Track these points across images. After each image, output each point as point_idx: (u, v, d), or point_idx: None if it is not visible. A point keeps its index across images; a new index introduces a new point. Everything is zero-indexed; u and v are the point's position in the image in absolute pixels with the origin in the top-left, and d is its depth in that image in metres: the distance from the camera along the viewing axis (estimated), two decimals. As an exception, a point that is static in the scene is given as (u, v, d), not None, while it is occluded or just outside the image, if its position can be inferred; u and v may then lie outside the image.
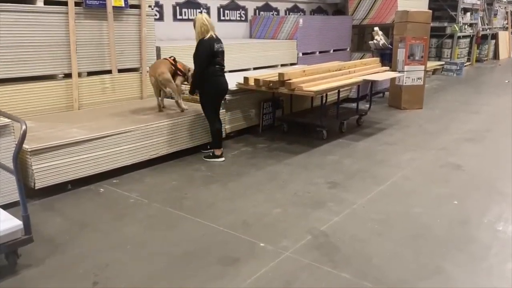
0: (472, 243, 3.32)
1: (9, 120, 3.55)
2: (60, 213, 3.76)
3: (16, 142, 2.96)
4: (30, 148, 3.83)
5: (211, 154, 5.09)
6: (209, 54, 4.74)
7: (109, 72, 5.69)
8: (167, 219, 3.68)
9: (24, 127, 2.76)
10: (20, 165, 3.39)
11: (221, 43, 4.90)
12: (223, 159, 5.05)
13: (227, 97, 5.67)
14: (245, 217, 3.69)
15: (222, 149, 5.10)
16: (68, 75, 5.26)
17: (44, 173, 3.94)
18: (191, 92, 5.08)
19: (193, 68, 4.99)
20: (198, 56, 4.80)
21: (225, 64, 5.01)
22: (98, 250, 3.17)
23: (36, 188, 3.90)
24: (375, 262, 3.04)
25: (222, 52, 4.92)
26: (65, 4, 5.08)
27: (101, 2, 5.38)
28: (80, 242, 3.28)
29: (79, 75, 5.35)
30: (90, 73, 5.50)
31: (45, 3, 4.97)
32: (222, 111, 5.55)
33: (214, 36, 4.80)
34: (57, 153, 4.01)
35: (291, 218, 3.69)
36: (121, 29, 5.71)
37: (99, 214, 3.75)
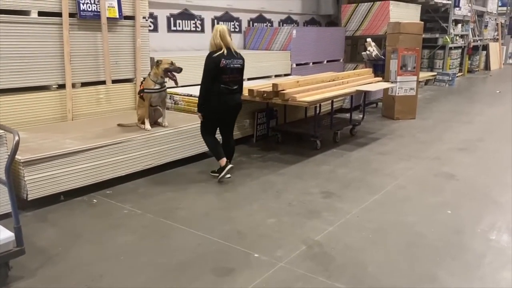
0: (466, 251, 3.33)
1: (2, 130, 3.53)
2: (52, 224, 3.73)
3: (9, 153, 2.94)
4: (22, 159, 3.81)
5: (216, 170, 4.83)
6: (211, 70, 4.43)
7: (103, 82, 5.70)
8: (161, 229, 3.66)
9: (17, 137, 2.74)
10: (13, 176, 3.38)
11: (237, 58, 4.54)
12: (230, 166, 4.68)
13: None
14: (240, 227, 3.68)
15: (225, 158, 4.72)
16: (62, 86, 5.26)
17: (37, 184, 3.91)
18: (198, 109, 4.66)
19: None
20: (203, 71, 4.49)
21: (238, 83, 4.62)
22: (91, 261, 3.14)
23: (28, 199, 3.87)
24: (369, 271, 3.03)
25: (234, 69, 4.52)
26: (59, 15, 5.10)
27: (95, 13, 5.41)
28: (73, 253, 3.25)
29: (73, 85, 5.35)
30: (84, 84, 5.50)
31: (39, 14, 4.98)
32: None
33: (225, 52, 4.44)
34: (50, 164, 3.99)
35: (285, 228, 3.69)
36: (115, 40, 5.73)
37: (92, 225, 3.73)
